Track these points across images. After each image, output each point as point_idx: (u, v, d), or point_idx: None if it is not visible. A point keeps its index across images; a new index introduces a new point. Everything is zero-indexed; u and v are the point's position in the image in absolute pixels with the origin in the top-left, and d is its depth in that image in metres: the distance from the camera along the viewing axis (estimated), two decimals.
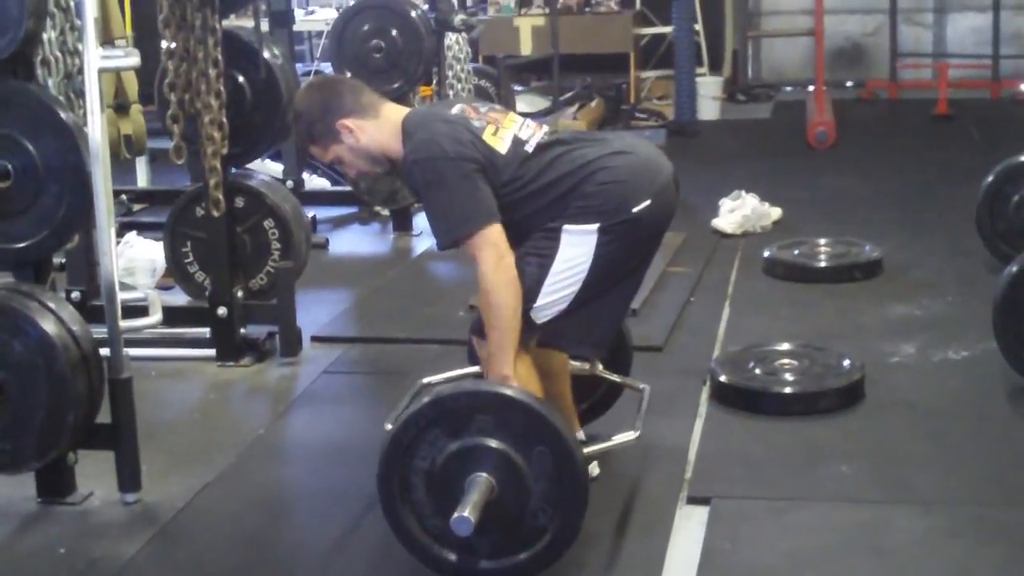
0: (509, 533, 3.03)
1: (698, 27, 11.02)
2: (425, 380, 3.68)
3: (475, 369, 3.54)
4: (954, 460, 3.75)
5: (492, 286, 3.14)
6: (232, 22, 5.25)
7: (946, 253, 6.06)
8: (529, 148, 3.30)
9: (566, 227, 3.23)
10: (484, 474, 2.97)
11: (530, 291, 3.23)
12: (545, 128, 3.41)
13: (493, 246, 3.15)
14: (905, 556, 3.18)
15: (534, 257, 3.23)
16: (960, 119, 10.11)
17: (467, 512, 2.88)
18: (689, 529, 3.39)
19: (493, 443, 2.97)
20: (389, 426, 3.14)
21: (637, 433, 3.43)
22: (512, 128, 3.33)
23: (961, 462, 3.74)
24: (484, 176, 3.22)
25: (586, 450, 3.16)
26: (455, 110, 3.36)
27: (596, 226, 3.22)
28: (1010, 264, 4.27)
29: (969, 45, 12.10)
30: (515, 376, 3.17)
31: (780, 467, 3.74)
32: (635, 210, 3.23)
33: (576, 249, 3.23)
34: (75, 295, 4.77)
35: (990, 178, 5.55)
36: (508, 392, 3.03)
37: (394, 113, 3.40)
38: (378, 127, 3.37)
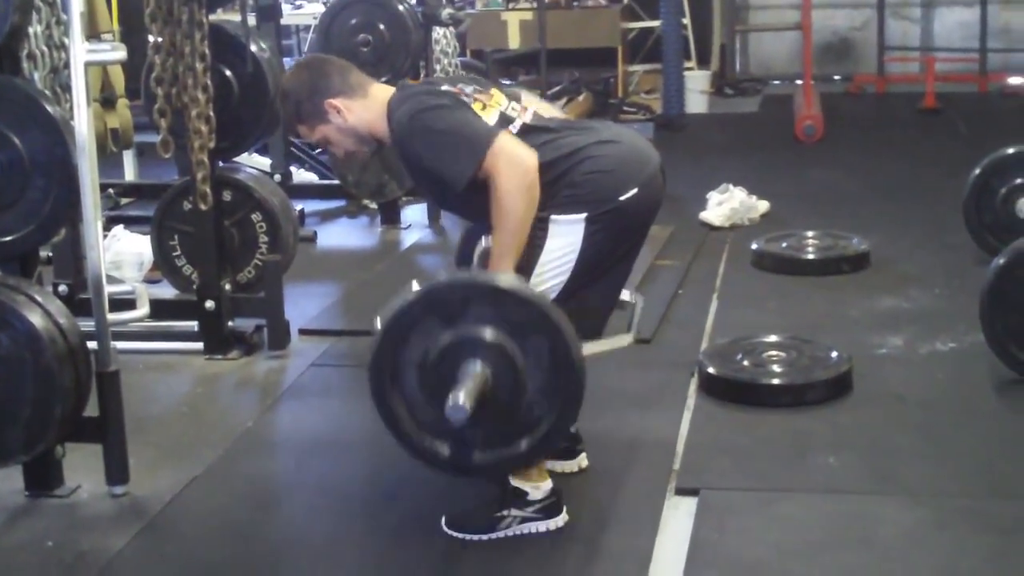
0: (504, 425, 2.98)
1: (686, 21, 11.02)
2: (415, 285, 3.62)
3: None
4: (942, 452, 3.76)
5: (505, 192, 3.10)
6: (219, 16, 5.24)
7: (934, 246, 6.08)
8: (514, 128, 3.29)
9: (554, 217, 3.22)
10: (479, 364, 2.92)
11: None
12: (531, 110, 3.39)
13: (505, 154, 3.12)
14: (893, 548, 3.18)
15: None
16: (947, 113, 10.13)
17: (462, 400, 2.82)
18: (677, 520, 3.39)
19: (488, 333, 2.92)
20: (379, 323, 3.06)
21: (632, 337, 3.40)
22: (499, 108, 3.32)
23: (949, 454, 3.74)
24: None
25: (585, 350, 3.04)
26: (443, 87, 3.35)
27: (583, 215, 3.21)
28: (997, 257, 4.28)
29: (956, 39, 12.13)
30: None
31: (768, 459, 3.75)
32: (622, 199, 3.23)
33: (564, 239, 3.22)
34: (62, 289, 4.76)
35: (977, 171, 5.56)
36: (503, 281, 2.98)
37: (381, 93, 3.40)
38: (366, 107, 3.37)
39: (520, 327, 2.92)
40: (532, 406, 2.96)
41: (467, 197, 3.21)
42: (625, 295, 3.55)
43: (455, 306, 2.95)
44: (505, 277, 3.03)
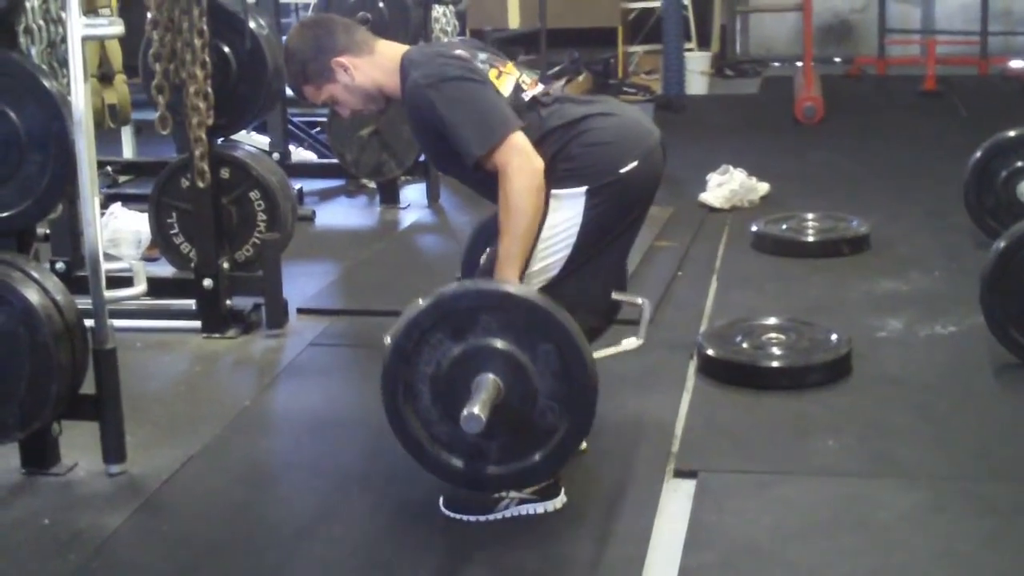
0: (518, 435, 2.99)
1: (687, 2, 10.99)
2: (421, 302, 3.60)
3: None
4: (940, 435, 3.75)
5: (515, 192, 3.07)
6: None
7: (934, 228, 6.07)
8: (526, 97, 3.27)
9: (554, 191, 3.18)
10: (491, 375, 2.93)
11: None
12: (540, 85, 3.37)
13: (520, 151, 3.09)
14: (890, 530, 3.17)
15: None
16: (948, 95, 10.12)
17: (476, 409, 2.83)
18: (676, 502, 3.38)
19: (498, 343, 2.93)
20: (388, 340, 3.05)
21: (640, 341, 3.40)
22: (513, 75, 3.30)
23: (947, 437, 3.74)
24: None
25: (595, 355, 3.06)
26: (457, 52, 3.31)
27: (584, 188, 3.18)
28: (998, 240, 4.27)
29: (957, 22, 12.12)
30: None
31: (767, 441, 3.74)
32: (622, 171, 3.20)
33: (565, 213, 3.19)
34: (60, 266, 4.74)
35: (978, 154, 5.55)
36: (511, 289, 2.98)
37: (389, 50, 3.35)
38: (373, 64, 3.33)
39: (529, 334, 2.94)
40: (545, 413, 2.97)
41: (468, 169, 3.19)
42: (636, 299, 3.55)
43: (463, 317, 2.96)
44: (511, 285, 3.03)
